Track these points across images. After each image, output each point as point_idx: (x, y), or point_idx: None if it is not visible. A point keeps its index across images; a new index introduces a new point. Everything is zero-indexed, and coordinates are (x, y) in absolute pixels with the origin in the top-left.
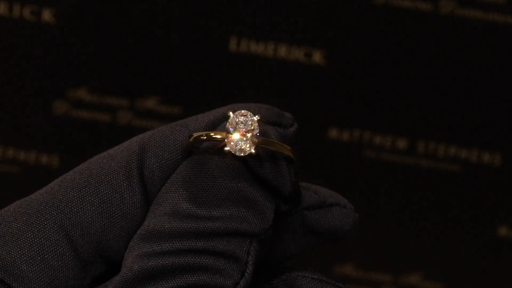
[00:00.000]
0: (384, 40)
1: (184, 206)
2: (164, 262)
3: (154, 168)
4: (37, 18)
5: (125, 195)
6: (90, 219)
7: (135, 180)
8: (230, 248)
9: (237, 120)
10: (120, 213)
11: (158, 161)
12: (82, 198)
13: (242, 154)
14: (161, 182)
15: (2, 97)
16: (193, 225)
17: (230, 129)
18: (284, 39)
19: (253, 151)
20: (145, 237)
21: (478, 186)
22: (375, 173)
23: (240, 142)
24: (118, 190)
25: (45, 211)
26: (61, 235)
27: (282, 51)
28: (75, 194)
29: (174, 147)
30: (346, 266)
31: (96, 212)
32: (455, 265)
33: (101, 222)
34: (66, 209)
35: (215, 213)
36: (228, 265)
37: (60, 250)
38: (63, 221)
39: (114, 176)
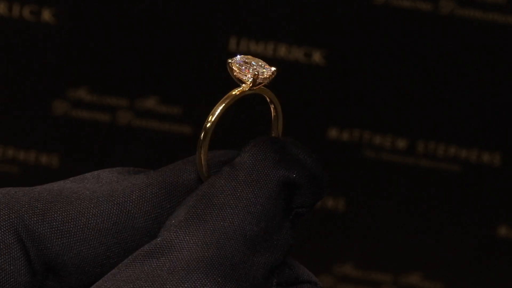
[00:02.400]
0: (384, 40)
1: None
2: None
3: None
4: (37, 18)
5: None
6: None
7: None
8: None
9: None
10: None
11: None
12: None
13: (267, 75)
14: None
15: (2, 97)
16: None
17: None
18: (283, 39)
19: (273, 68)
20: None
21: (478, 186)
22: (375, 173)
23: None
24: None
25: (1, 212)
26: (15, 238)
27: (282, 51)
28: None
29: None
30: (346, 266)
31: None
32: (455, 265)
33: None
34: (24, 203)
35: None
36: None
37: (13, 254)
38: (17, 224)
39: None
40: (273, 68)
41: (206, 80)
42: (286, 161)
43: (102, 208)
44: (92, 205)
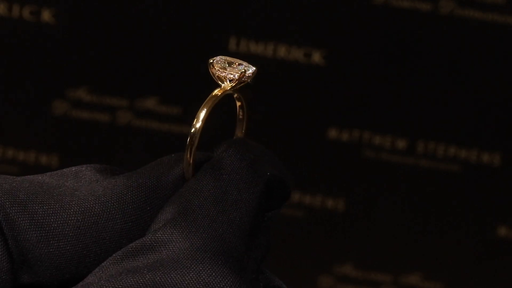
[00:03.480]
0: (384, 40)
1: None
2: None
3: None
4: (37, 18)
5: None
6: None
7: None
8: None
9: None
10: None
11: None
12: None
13: (250, 74)
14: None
15: (2, 97)
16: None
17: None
18: (283, 39)
19: (254, 68)
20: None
21: (477, 186)
22: (374, 173)
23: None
24: None
25: None
26: None
27: (282, 51)
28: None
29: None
30: (346, 266)
31: None
32: (455, 265)
33: None
34: (6, 191)
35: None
36: None
37: None
38: None
39: None
40: (254, 68)
41: (206, 80)
42: (261, 162)
43: (83, 206)
44: (73, 202)
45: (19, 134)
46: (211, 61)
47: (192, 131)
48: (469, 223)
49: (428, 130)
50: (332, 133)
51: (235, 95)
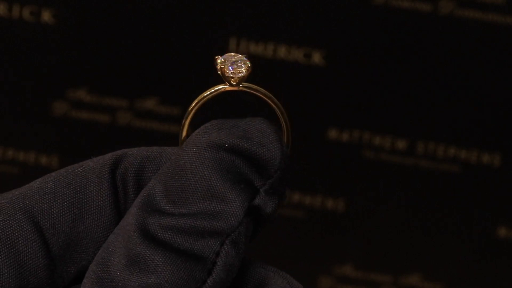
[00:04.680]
0: (384, 40)
1: (157, 200)
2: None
3: (128, 172)
4: (37, 18)
5: (93, 188)
6: (60, 209)
7: (105, 176)
8: (194, 247)
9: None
10: (89, 205)
11: (133, 166)
12: (55, 189)
13: (240, 75)
14: (135, 185)
15: (2, 97)
16: (157, 220)
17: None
18: (283, 39)
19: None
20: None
21: (477, 186)
22: (374, 173)
23: (235, 64)
24: (88, 183)
25: (18, 199)
26: (30, 223)
27: (282, 51)
28: (48, 185)
29: (153, 158)
30: (346, 267)
31: (67, 202)
32: (455, 265)
33: (71, 212)
34: (38, 199)
35: (182, 209)
36: (191, 264)
37: (29, 237)
38: (33, 210)
39: (89, 172)
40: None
41: (206, 81)
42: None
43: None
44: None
45: (19, 134)
46: (221, 60)
47: (188, 110)
48: (469, 224)
49: (428, 131)
50: (332, 133)
51: (245, 90)
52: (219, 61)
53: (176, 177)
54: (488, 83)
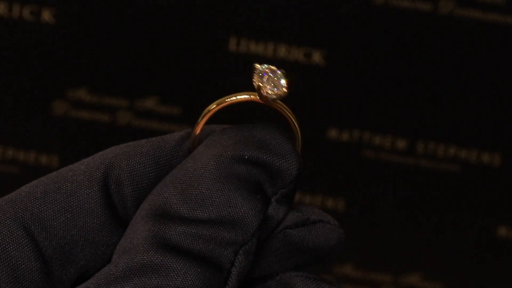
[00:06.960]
0: (384, 40)
1: (174, 208)
2: (148, 260)
3: (121, 175)
4: (37, 18)
5: (84, 192)
6: (51, 213)
7: (96, 179)
8: (213, 255)
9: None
10: (80, 208)
11: (127, 167)
12: (45, 194)
13: (277, 92)
14: (130, 189)
15: (2, 97)
16: (176, 227)
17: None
18: (283, 39)
19: (285, 89)
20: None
21: (477, 186)
22: (374, 173)
23: (272, 81)
24: (80, 187)
25: (7, 206)
26: (20, 228)
27: (282, 51)
28: (39, 190)
29: (145, 159)
30: (346, 266)
31: (58, 206)
32: (455, 265)
33: (63, 215)
34: (28, 204)
35: (201, 217)
36: (210, 273)
37: (20, 241)
38: (24, 216)
39: (80, 176)
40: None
41: (206, 80)
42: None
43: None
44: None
45: (19, 134)
46: (259, 68)
47: (204, 112)
48: (469, 223)
49: (428, 130)
50: (332, 133)
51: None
52: (258, 73)
53: (195, 185)
54: (488, 83)
